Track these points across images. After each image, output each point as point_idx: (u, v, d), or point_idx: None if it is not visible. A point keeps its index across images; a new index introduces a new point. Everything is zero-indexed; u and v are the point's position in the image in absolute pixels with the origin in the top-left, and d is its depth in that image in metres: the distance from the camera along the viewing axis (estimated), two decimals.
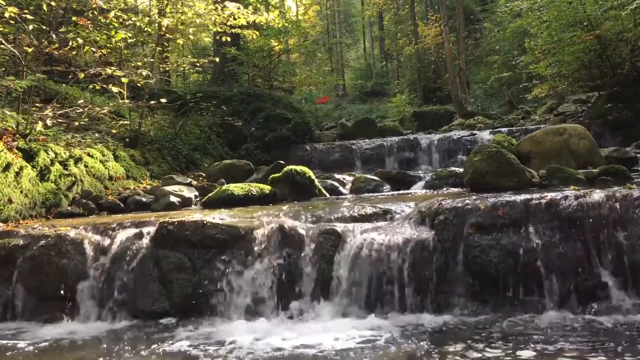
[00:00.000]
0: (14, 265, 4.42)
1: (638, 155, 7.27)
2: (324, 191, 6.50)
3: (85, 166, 6.65)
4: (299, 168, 6.38)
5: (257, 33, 9.60)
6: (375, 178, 7.10)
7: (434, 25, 23.88)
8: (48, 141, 6.39)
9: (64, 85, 8.21)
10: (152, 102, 8.35)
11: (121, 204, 6.33)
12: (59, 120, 7.12)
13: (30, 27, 6.28)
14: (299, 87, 20.36)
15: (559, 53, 12.48)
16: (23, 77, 6.28)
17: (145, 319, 4.17)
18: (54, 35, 6.64)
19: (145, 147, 8.65)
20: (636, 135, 9.41)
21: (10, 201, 5.27)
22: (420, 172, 8.74)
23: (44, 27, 6.71)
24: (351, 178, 7.33)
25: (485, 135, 10.76)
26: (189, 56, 14.40)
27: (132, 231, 4.60)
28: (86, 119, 7.71)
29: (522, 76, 17.14)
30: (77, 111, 7.24)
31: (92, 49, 7.11)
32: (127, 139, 8.37)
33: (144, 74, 7.41)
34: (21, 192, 5.50)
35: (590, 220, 3.86)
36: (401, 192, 6.61)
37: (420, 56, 24.93)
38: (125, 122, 8.63)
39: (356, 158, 11.23)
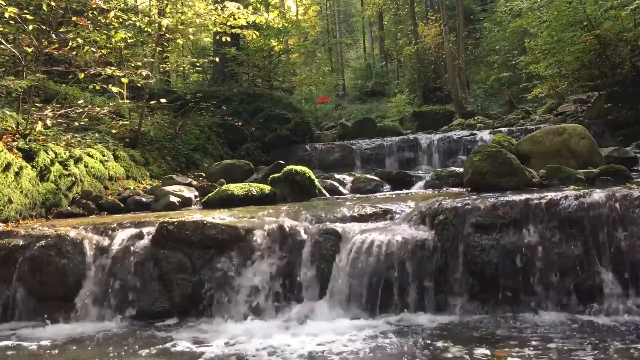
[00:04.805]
0: (14, 266, 4.42)
1: (638, 155, 7.27)
2: (324, 191, 6.49)
3: (85, 166, 6.65)
4: (299, 168, 6.38)
5: (257, 33, 9.60)
6: (375, 178, 7.10)
7: (434, 25, 23.86)
8: (48, 141, 6.38)
9: (64, 85, 8.20)
10: (152, 102, 8.36)
11: (121, 204, 6.33)
12: (59, 120, 7.11)
13: (30, 27, 6.27)
14: (299, 87, 20.35)
15: (559, 53, 12.51)
16: (23, 77, 6.27)
17: (145, 319, 4.18)
18: (54, 35, 6.64)
19: (145, 147, 8.65)
20: (636, 135, 9.41)
21: (10, 201, 5.27)
22: (420, 172, 8.75)
23: (44, 27, 6.70)
24: (351, 178, 7.32)
25: (485, 135, 10.76)
26: (189, 56, 14.39)
27: (132, 231, 4.60)
28: (86, 119, 7.70)
29: (522, 76, 17.13)
30: (77, 111, 7.23)
31: (92, 49, 7.10)
32: (127, 139, 8.37)
33: (144, 74, 7.41)
34: (21, 192, 5.50)
35: (590, 220, 3.85)
36: (401, 192, 6.60)
37: (420, 56, 24.91)
38: (125, 122, 8.62)
39: (356, 158, 11.23)
